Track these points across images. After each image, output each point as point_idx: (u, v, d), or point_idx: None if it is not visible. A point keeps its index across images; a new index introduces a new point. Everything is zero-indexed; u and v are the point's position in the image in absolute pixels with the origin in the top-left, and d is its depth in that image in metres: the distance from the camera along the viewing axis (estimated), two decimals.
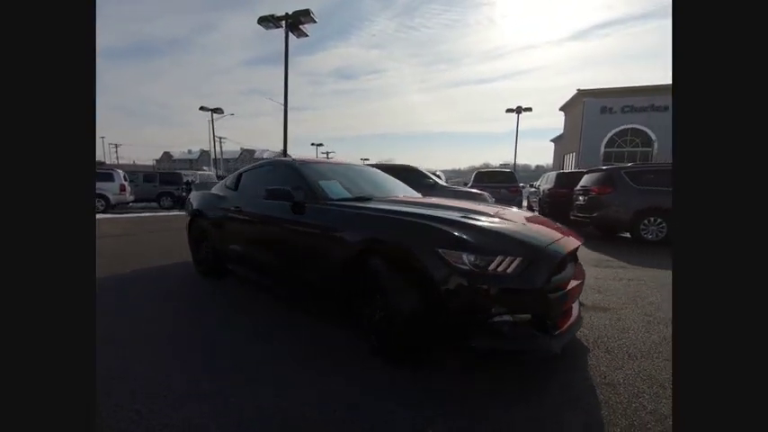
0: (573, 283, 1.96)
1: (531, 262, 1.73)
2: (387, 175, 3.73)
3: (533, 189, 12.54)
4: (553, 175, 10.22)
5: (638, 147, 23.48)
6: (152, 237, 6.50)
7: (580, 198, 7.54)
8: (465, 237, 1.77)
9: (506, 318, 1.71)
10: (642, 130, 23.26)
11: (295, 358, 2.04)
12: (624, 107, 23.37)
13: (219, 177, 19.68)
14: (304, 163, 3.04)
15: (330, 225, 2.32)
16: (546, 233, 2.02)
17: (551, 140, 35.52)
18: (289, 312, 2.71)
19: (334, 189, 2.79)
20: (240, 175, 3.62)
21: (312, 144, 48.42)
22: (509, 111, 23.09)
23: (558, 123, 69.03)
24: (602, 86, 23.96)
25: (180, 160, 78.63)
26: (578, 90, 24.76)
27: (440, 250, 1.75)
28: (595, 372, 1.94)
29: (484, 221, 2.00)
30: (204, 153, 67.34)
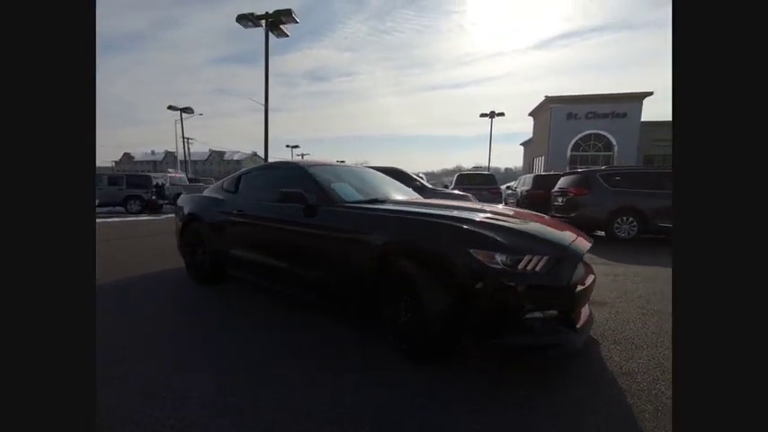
0: (589, 280, 2.08)
1: (557, 260, 1.82)
2: (387, 177, 3.76)
3: (510, 191, 13.03)
4: (530, 177, 10.69)
5: (601, 151, 25.05)
6: (131, 244, 6.11)
7: (559, 199, 7.94)
8: (496, 237, 1.84)
9: (537, 314, 1.79)
10: (604, 135, 24.84)
11: (296, 356, 2.02)
12: (588, 113, 24.87)
13: (191, 180, 18.78)
14: (312, 165, 3.01)
15: (350, 227, 2.31)
16: (565, 233, 2.13)
17: (521, 144, 37.05)
18: (302, 315, 2.66)
19: (347, 191, 2.78)
20: (239, 177, 3.51)
21: (287, 146, 47.22)
22: (483, 115, 23.87)
23: (525, 128, 72.29)
24: (566, 94, 25.30)
25: (142, 162, 74.26)
26: (546, 97, 26.02)
27: (472, 251, 1.80)
28: (611, 363, 2.07)
29: (508, 222, 2.08)
30: (169, 154, 63.96)
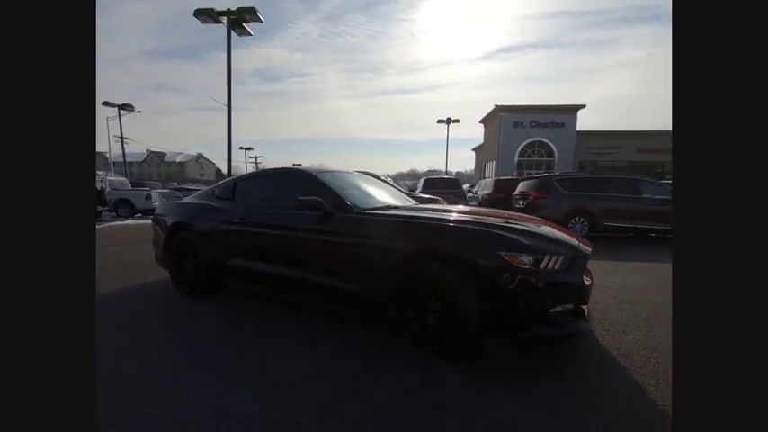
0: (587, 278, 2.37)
1: (571, 259, 2.07)
2: (383, 182, 3.86)
3: (471, 194, 13.78)
4: (491, 181, 11.45)
5: (544, 157, 27.42)
6: None
7: (520, 202, 8.62)
8: (522, 240, 2.04)
9: (558, 308, 2.01)
10: (546, 143, 27.24)
11: (340, 357, 2.05)
12: (532, 122, 27.11)
13: (134, 184, 17.07)
14: (321, 172, 3.01)
15: (374, 234, 2.38)
16: (572, 236, 2.40)
17: (473, 149, 39.16)
18: (314, 322, 2.65)
19: (360, 198, 2.84)
20: (235, 184, 3.38)
21: (241, 148, 44.66)
22: (440, 121, 24.86)
23: (473, 133, 76.61)
24: (509, 103, 27.35)
25: None
26: (496, 106, 27.87)
27: (502, 253, 1.98)
28: (608, 347, 2.37)
29: (525, 226, 2.30)
30: (98, 155, 57.27)
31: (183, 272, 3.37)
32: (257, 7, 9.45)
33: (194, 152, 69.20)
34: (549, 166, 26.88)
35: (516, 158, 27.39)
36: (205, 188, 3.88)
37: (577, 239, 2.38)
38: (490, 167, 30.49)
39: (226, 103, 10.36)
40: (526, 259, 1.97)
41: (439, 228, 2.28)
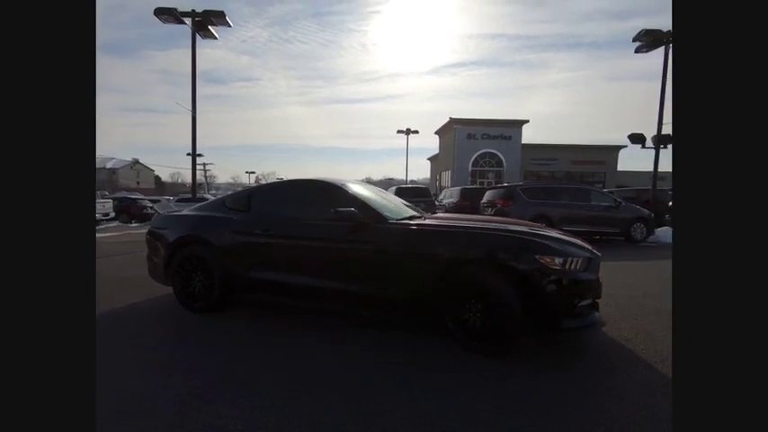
0: None
1: (589, 260, 2.42)
2: (388, 193, 4.04)
3: (437, 203, 14.43)
4: (457, 190, 12.16)
5: (494, 167, 29.52)
6: None
7: (488, 210, 9.29)
8: (551, 244, 2.35)
9: (583, 303, 2.35)
10: (496, 154, 29.39)
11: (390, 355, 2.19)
12: (483, 135, 29.11)
13: None
14: (345, 183, 3.09)
15: (414, 243, 2.55)
16: (580, 240, 2.78)
17: (428, 159, 40.77)
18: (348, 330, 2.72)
19: (390, 208, 2.98)
20: (250, 195, 3.31)
21: (188, 154, 41.16)
22: (399, 132, 25.72)
23: (424, 143, 79.84)
24: (461, 116, 29.19)
25: None
26: (450, 118, 29.50)
27: (537, 257, 2.27)
28: (610, 333, 2.77)
29: (545, 232, 2.62)
30: None
31: (191, 288, 3.20)
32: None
33: (128, 158, 62.73)
34: (499, 176, 29.00)
35: (470, 168, 29.14)
36: (211, 198, 3.72)
37: (587, 244, 2.77)
38: (446, 176, 32.00)
39: (191, 108, 9.76)
40: (557, 261, 2.28)
41: (480, 235, 2.52)
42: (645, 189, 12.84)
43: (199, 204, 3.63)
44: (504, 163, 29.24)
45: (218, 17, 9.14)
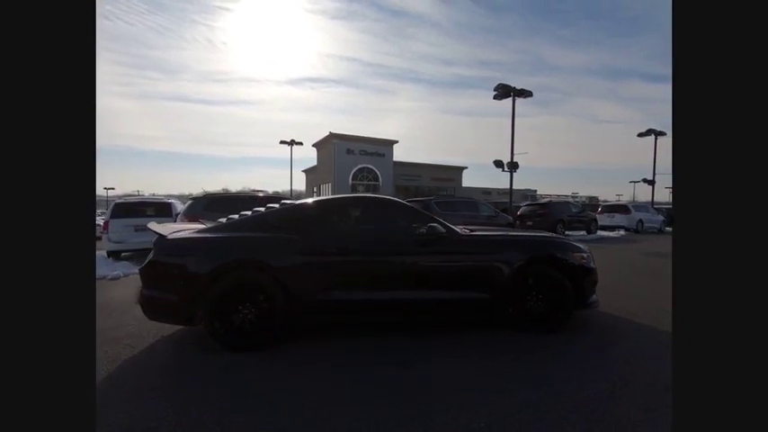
0: None
1: (589, 254, 3.49)
2: None
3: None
4: None
5: (372, 181, 31.93)
6: None
7: None
8: (577, 244, 3.28)
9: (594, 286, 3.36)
10: (372, 169, 31.87)
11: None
12: (361, 150, 31.15)
13: None
14: (412, 201, 3.28)
15: (495, 250, 3.04)
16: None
17: (303, 171, 40.26)
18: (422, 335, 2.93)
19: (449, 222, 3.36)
20: (301, 212, 3.04)
21: None
22: (283, 142, 24.58)
23: (286, 154, 78.28)
24: (346, 132, 30.75)
25: None
26: (330, 132, 30.32)
27: (576, 254, 3.15)
28: (613, 311, 3.91)
29: (562, 237, 3.57)
30: None
31: (238, 322, 2.69)
32: None
33: None
34: (376, 190, 31.55)
35: (351, 181, 30.58)
36: (235, 217, 3.11)
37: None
38: (326, 189, 32.46)
39: None
40: (585, 255, 3.22)
41: (540, 241, 3.23)
42: (495, 201, 17.51)
43: (220, 225, 3.02)
44: (380, 177, 32.04)
45: None
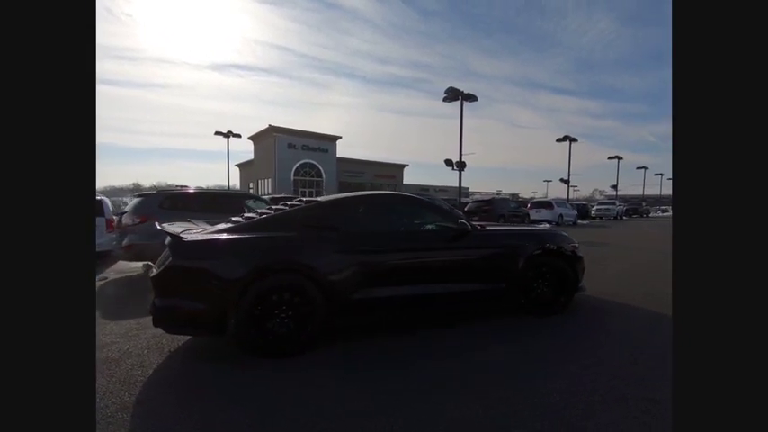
0: None
1: (576, 245, 3.99)
2: None
3: None
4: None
5: (315, 177, 31.08)
6: None
7: None
8: (570, 236, 3.73)
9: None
10: (315, 165, 31.03)
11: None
12: (303, 146, 30.07)
13: None
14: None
15: (511, 243, 3.30)
16: None
17: (237, 165, 37.38)
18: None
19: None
20: (332, 209, 2.92)
21: None
22: (218, 134, 22.42)
23: (206, 146, 71.66)
24: (289, 126, 29.34)
25: None
26: (270, 125, 28.63)
27: (572, 245, 3.59)
28: (602, 295, 4.49)
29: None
30: None
31: (273, 328, 2.50)
32: None
33: None
34: (320, 186, 30.82)
35: (293, 177, 29.35)
36: (253, 217, 2.82)
37: None
38: (265, 184, 30.65)
39: None
40: (577, 245, 3.68)
41: (548, 234, 3.56)
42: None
43: (247, 223, 2.74)
44: (324, 174, 31.35)
45: None
